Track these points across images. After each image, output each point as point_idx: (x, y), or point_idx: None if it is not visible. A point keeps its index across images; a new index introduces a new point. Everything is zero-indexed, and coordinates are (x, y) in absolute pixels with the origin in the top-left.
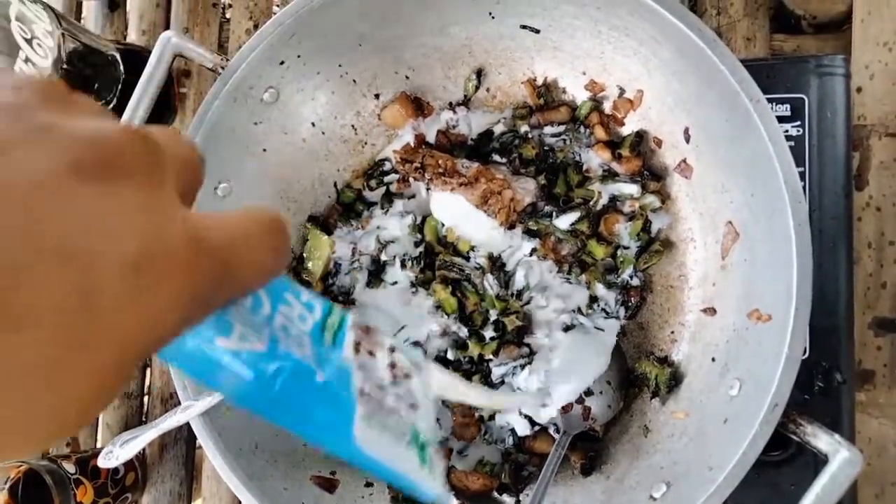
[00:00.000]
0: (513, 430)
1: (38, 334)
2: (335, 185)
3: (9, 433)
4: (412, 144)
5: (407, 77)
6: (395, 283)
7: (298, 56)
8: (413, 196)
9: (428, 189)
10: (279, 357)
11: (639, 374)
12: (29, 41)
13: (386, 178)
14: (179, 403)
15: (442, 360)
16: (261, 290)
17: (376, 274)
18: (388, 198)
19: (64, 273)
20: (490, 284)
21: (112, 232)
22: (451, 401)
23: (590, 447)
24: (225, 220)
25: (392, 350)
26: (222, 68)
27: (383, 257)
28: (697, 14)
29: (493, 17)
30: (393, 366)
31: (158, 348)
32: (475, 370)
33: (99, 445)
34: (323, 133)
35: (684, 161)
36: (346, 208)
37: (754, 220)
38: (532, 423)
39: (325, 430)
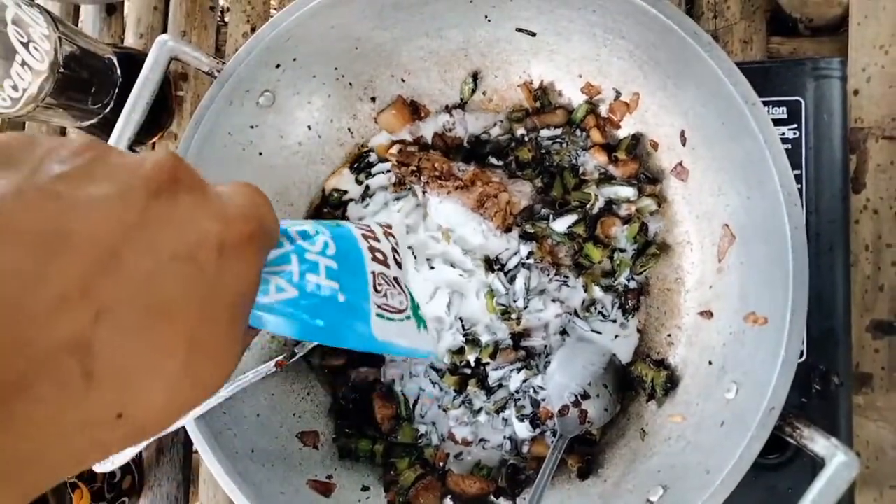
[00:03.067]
0: (510, 438)
1: (185, 317)
2: (323, 190)
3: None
4: (407, 141)
5: (403, 80)
6: None
7: (294, 59)
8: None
9: (424, 192)
10: (308, 296)
11: (635, 378)
12: (25, 45)
13: (373, 170)
14: None
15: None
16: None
17: None
18: (366, 192)
19: (186, 270)
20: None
21: (198, 232)
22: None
23: (586, 451)
24: (234, 194)
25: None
26: (218, 71)
27: None
28: (694, 17)
29: (489, 21)
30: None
31: (253, 302)
32: (472, 374)
33: None
34: (319, 136)
35: (680, 164)
36: (334, 208)
37: (751, 223)
38: (533, 426)
39: (357, 339)
